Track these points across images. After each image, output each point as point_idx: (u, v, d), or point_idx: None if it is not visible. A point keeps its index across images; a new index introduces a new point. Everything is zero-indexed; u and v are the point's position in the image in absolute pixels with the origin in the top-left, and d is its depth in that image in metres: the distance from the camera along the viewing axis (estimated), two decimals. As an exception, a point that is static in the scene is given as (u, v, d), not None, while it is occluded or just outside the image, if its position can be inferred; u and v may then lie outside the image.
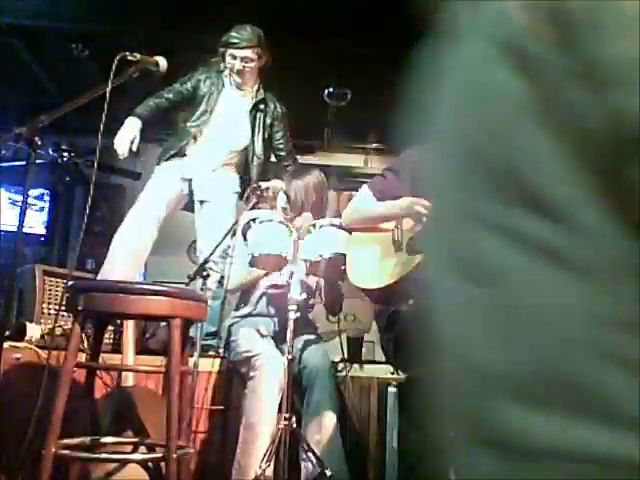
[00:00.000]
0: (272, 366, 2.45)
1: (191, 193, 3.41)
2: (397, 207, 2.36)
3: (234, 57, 3.34)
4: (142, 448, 2.09)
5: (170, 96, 3.40)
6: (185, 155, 3.40)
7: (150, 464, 2.05)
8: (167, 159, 3.38)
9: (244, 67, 3.37)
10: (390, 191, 2.42)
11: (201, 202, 3.36)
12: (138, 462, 2.03)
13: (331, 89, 4.60)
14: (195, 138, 3.39)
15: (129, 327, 2.61)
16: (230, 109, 3.43)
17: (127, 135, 3.19)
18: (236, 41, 3.32)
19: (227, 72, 3.42)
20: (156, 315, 2.00)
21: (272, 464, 2.26)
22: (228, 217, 3.21)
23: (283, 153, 3.58)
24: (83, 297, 1.90)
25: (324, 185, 2.91)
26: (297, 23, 3.97)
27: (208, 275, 2.53)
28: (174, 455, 1.82)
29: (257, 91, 3.50)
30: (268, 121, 3.50)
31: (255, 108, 3.46)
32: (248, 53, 3.35)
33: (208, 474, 2.65)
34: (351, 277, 2.42)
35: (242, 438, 2.41)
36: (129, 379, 2.53)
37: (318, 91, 4.67)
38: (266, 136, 3.49)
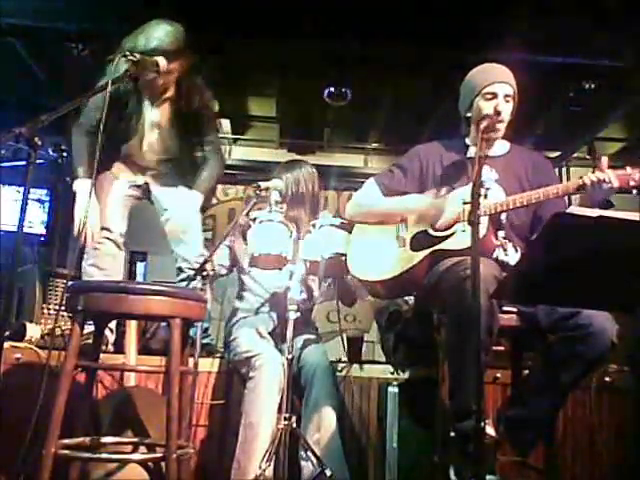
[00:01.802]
0: (272, 366, 2.45)
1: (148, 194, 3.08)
2: (402, 206, 2.35)
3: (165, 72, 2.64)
4: (142, 448, 2.09)
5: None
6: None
7: (150, 464, 2.05)
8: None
9: (168, 79, 2.75)
10: (396, 186, 2.41)
11: (166, 217, 2.98)
12: (138, 462, 2.03)
13: (331, 89, 4.60)
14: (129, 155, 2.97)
15: (132, 328, 2.61)
16: (155, 120, 2.88)
17: (93, 214, 2.74)
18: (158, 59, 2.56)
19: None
20: (156, 315, 2.00)
21: (272, 464, 2.26)
22: (197, 218, 3.01)
23: (203, 120, 2.96)
24: (83, 297, 1.89)
25: (316, 178, 2.90)
26: (297, 23, 3.97)
27: (208, 275, 2.53)
28: (174, 455, 1.82)
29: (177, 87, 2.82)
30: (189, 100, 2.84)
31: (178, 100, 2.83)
32: (177, 65, 2.70)
33: (208, 472, 2.65)
34: (351, 267, 2.41)
35: (242, 438, 2.40)
36: (131, 379, 2.53)
37: (318, 91, 4.67)
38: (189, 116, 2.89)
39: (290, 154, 6.16)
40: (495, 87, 2.26)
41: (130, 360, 2.55)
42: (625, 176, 2.01)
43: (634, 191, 2.04)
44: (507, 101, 2.26)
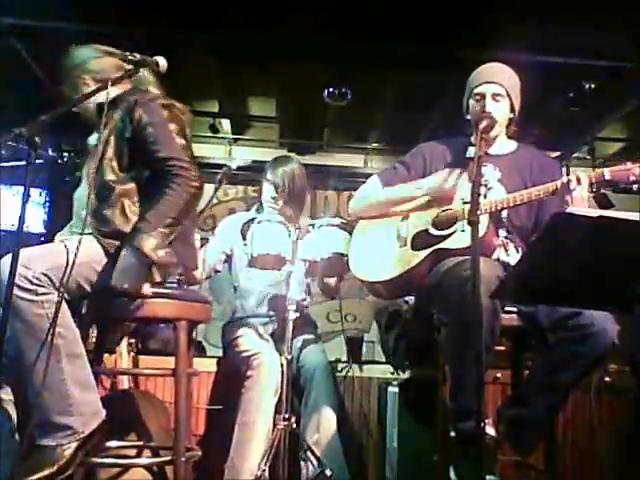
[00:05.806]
0: (269, 366, 2.44)
1: None
2: (406, 191, 2.33)
3: None
4: (146, 451, 2.06)
5: None
6: None
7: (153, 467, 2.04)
8: None
9: None
10: (399, 183, 2.40)
11: None
12: (144, 466, 2.01)
13: (331, 89, 4.60)
14: None
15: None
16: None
17: None
18: None
19: None
20: (162, 318, 1.98)
21: (272, 464, 2.25)
22: None
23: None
24: (87, 301, 1.85)
25: (305, 174, 2.89)
26: (297, 23, 3.97)
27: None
28: (182, 458, 1.79)
29: None
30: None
31: None
32: None
33: (209, 475, 2.64)
34: (353, 268, 2.39)
35: (237, 437, 2.38)
36: (124, 382, 2.52)
37: (318, 91, 4.67)
38: None
39: (290, 154, 6.16)
40: (482, 88, 2.25)
41: (122, 361, 2.54)
42: (625, 171, 2.00)
43: (634, 186, 2.03)
44: (497, 100, 2.24)
